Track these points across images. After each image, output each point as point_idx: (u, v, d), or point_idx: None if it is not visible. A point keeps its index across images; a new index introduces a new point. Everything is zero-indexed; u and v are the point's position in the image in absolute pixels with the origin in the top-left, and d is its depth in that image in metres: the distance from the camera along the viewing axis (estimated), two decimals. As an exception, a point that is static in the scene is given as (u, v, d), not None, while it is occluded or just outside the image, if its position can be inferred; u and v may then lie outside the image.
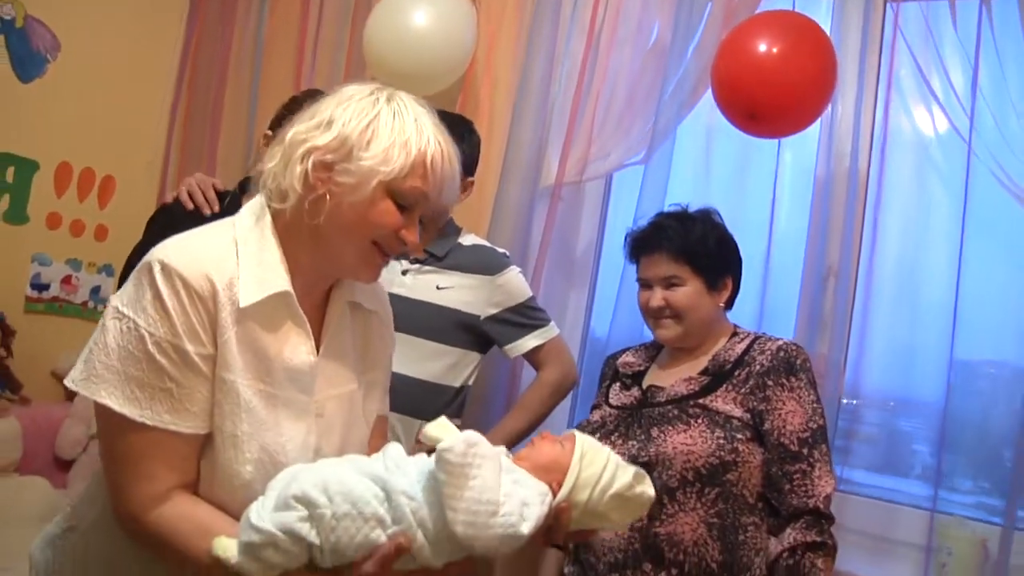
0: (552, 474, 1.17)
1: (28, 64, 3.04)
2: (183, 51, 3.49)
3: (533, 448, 1.22)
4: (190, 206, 2.04)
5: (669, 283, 1.81)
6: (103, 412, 1.09)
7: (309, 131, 1.16)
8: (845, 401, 2.16)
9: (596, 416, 1.90)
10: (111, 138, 3.29)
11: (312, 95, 1.99)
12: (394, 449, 1.17)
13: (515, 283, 2.14)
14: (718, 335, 1.84)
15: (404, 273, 2.10)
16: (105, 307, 1.14)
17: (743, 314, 2.04)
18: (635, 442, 1.73)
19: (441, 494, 1.07)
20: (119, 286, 1.26)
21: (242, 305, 1.11)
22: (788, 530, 1.64)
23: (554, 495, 1.15)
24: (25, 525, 2.37)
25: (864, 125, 2.14)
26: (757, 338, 1.81)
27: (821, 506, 1.63)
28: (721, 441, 1.66)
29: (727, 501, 1.66)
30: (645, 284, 1.85)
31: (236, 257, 1.14)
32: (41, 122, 3.05)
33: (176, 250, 1.12)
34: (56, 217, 3.17)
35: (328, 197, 1.14)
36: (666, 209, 1.89)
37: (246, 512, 1.07)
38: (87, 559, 1.19)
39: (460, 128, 2.09)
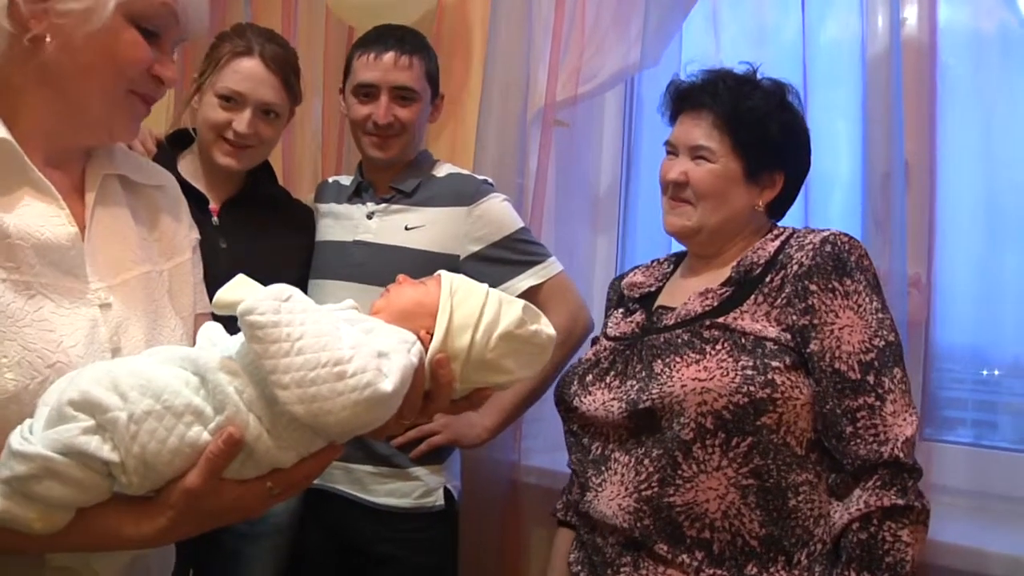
0: (418, 320, 0.93)
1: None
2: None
3: (388, 294, 0.99)
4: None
5: (697, 154, 1.40)
6: None
7: None
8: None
9: (589, 353, 1.49)
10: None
11: (239, 31, 1.75)
12: (211, 328, 0.90)
13: (499, 211, 1.79)
14: (749, 239, 1.42)
15: (369, 217, 1.81)
16: None
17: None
18: (634, 381, 1.33)
19: (262, 369, 0.78)
20: None
21: None
22: (857, 491, 1.22)
23: (425, 346, 0.92)
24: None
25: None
26: (794, 233, 1.37)
27: (900, 454, 1.20)
28: (749, 372, 1.24)
29: (766, 455, 1.24)
30: (671, 150, 1.46)
31: None
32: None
33: None
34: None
35: (50, 36, 0.93)
36: (734, 66, 1.47)
37: (7, 441, 0.81)
38: None
39: (417, 39, 1.82)
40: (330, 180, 2.01)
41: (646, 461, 1.29)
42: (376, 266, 1.72)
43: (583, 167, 2.22)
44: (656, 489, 1.27)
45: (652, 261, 1.60)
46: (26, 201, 0.94)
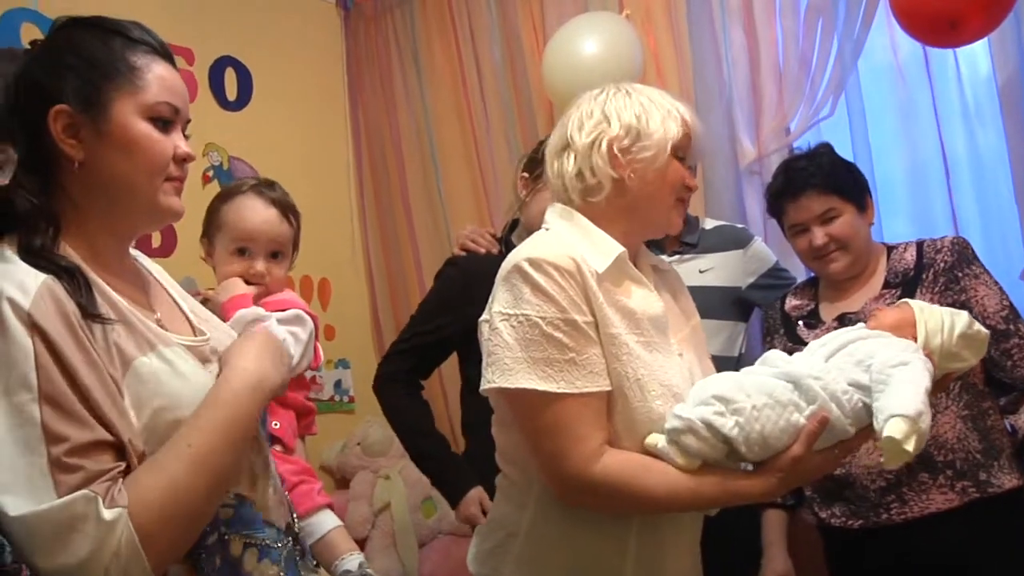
0: (904, 331, 1.33)
1: (237, 198, 3.37)
2: (355, 146, 3.73)
3: (876, 319, 1.40)
4: (481, 250, 2.17)
5: (825, 218, 1.86)
6: (524, 397, 1.26)
7: (595, 129, 1.35)
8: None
9: None
10: (317, 243, 3.55)
11: None
12: (775, 354, 1.33)
13: (763, 250, 2.32)
14: (877, 255, 1.91)
15: None
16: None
17: (968, 220, 2.26)
18: None
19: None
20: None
21: (600, 271, 1.30)
22: None
23: None
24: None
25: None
26: (921, 242, 1.88)
27: None
28: None
29: (969, 392, 1.75)
30: (801, 229, 1.90)
31: (570, 244, 1.32)
32: (258, 243, 3.35)
33: (531, 248, 1.31)
34: (290, 326, 3.44)
35: (632, 176, 1.34)
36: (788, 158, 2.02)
37: (672, 410, 1.26)
38: (534, 554, 1.35)
39: None
40: None
41: None
42: None
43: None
44: None
45: (792, 289, 2.06)
46: (632, 289, 1.36)
